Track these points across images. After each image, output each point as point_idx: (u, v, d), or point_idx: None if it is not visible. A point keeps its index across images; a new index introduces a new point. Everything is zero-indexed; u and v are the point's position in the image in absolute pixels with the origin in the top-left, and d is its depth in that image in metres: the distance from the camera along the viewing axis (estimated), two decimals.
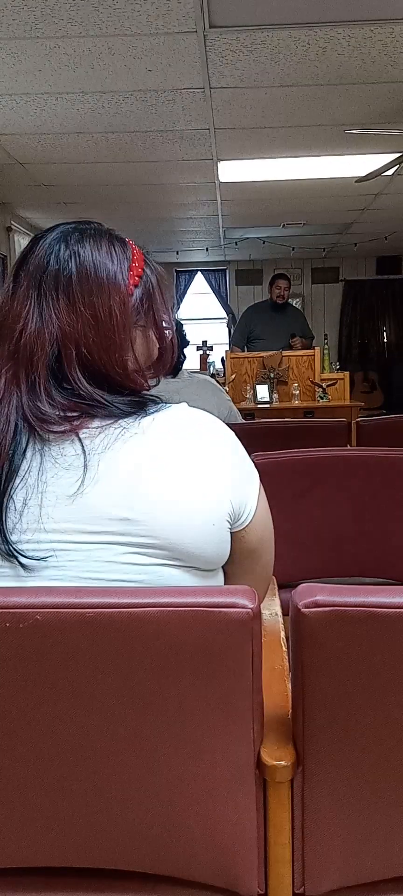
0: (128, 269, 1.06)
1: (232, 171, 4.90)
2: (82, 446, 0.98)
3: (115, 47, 2.94)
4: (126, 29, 2.78)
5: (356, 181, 4.60)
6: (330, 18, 2.71)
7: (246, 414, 5.01)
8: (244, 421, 3.74)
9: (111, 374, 1.04)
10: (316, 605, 0.89)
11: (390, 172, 4.51)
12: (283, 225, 7.00)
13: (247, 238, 7.71)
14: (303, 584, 0.92)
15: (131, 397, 1.05)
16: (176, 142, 4.27)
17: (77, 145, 4.32)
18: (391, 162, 4.08)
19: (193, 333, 8.51)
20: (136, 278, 1.07)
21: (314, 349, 5.84)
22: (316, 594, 0.90)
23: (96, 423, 1.01)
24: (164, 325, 1.13)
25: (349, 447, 3.09)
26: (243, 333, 6.38)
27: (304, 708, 0.95)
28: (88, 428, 1.00)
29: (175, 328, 1.17)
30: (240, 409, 4.58)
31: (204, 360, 7.68)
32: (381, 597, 0.88)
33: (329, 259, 9.16)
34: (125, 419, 1.01)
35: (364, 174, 4.36)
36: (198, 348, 7.85)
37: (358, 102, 3.65)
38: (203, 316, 9.70)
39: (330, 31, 2.81)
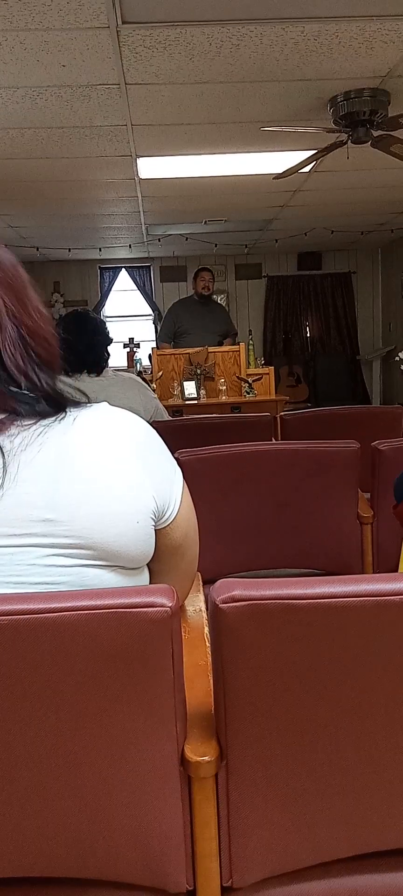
0: None
1: (151, 167, 4.88)
2: (0, 448, 0.96)
3: (28, 42, 2.88)
4: (38, 23, 2.72)
5: (274, 178, 4.66)
6: (241, 16, 2.74)
7: (175, 411, 5.01)
8: (171, 418, 3.74)
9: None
10: (234, 599, 0.90)
11: (307, 169, 4.60)
12: (205, 221, 7.03)
13: (170, 234, 7.69)
14: (221, 580, 0.93)
15: (52, 397, 1.04)
16: (93, 138, 4.22)
17: None
18: (307, 159, 4.16)
19: (119, 331, 8.48)
20: None
21: (239, 344, 5.91)
22: (234, 589, 0.90)
23: (16, 424, 0.99)
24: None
25: (273, 441, 3.14)
26: (170, 329, 6.41)
27: (226, 702, 0.96)
28: (8, 430, 0.99)
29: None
30: (168, 405, 4.59)
31: (130, 357, 7.66)
32: (296, 589, 0.90)
33: (251, 255, 9.27)
34: (45, 420, 1.00)
35: (281, 171, 4.43)
36: (125, 346, 7.83)
37: (273, 100, 3.70)
38: (128, 313, 9.65)
39: (243, 28, 2.83)
